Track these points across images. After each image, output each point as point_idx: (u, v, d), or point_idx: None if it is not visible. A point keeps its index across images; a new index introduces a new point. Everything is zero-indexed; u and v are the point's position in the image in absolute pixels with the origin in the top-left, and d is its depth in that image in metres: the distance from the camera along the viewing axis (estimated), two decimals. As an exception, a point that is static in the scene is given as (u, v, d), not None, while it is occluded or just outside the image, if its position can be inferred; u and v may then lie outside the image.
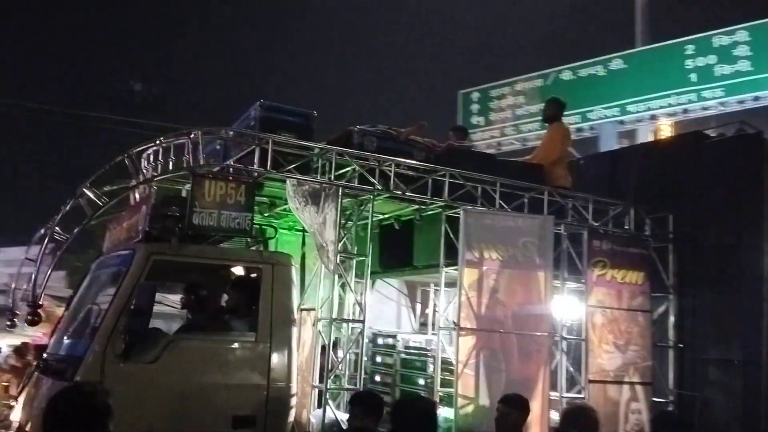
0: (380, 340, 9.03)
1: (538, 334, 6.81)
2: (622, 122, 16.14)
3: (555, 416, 7.16)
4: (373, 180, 6.51)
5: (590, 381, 7.32)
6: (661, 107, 15.31)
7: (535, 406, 6.63)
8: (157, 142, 5.92)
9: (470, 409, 6.54)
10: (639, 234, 8.00)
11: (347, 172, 6.63)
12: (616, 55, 16.32)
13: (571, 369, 7.38)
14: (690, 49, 15.05)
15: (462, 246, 6.75)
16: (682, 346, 7.92)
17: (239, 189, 5.99)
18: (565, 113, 16.90)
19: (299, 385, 6.19)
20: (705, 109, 14.97)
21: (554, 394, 7.27)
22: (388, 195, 6.66)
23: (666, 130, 16.42)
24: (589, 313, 7.45)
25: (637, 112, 15.69)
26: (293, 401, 5.92)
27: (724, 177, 7.85)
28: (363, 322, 6.40)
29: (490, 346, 6.71)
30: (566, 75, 17.01)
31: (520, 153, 15.03)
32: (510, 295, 6.85)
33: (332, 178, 6.39)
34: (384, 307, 10.09)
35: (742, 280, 7.58)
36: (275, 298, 5.92)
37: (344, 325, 6.63)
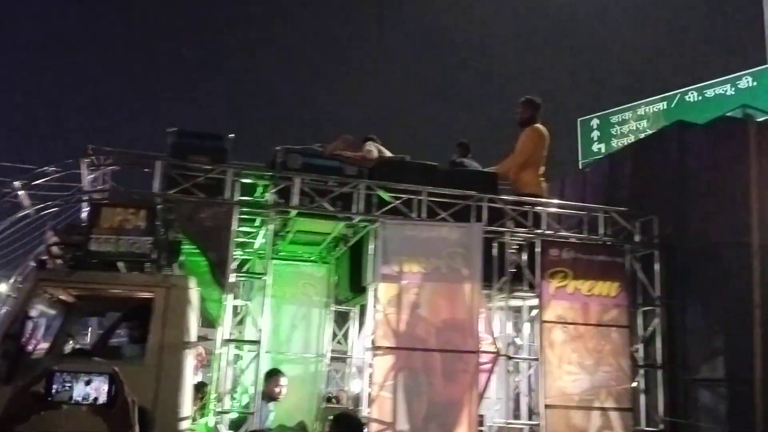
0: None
1: (464, 351, 6.19)
2: (756, 142, 15.05)
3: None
4: (273, 195, 6.39)
5: (547, 406, 6.50)
6: (798, 124, 14.11)
7: (461, 432, 6.01)
8: (50, 169, 6.19)
9: (386, 435, 6.04)
10: (611, 240, 7.11)
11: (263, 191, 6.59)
12: (745, 72, 15.40)
13: (525, 393, 6.62)
14: (825, 62, 13.86)
15: (378, 259, 6.38)
16: (668, 366, 6.83)
17: (138, 214, 6.10)
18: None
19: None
20: None
21: (500, 422, 6.56)
22: (299, 212, 6.49)
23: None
24: (545, 330, 6.68)
25: (771, 131, 14.57)
26: (182, 426, 5.78)
27: (706, 170, 6.82)
28: (259, 342, 6.16)
29: (411, 366, 6.20)
30: (691, 96, 16.18)
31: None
32: (433, 310, 6.33)
33: (234, 197, 6.34)
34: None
35: (728, 285, 6.46)
36: (168, 322, 5.87)
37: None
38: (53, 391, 2.13)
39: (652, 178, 7.49)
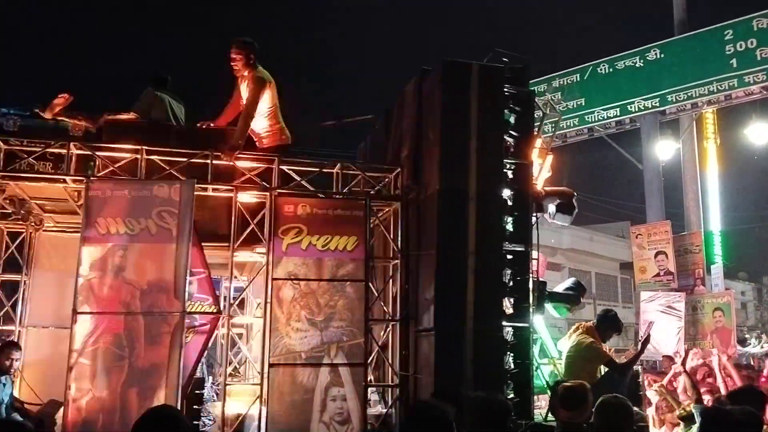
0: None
1: (169, 312, 6.02)
2: (663, 113, 15.49)
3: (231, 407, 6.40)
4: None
5: (271, 365, 6.37)
6: (702, 95, 14.65)
7: (161, 395, 5.86)
8: None
9: (84, 402, 5.87)
10: (352, 194, 6.97)
11: None
12: (653, 45, 15.62)
13: (247, 354, 6.50)
14: (729, 34, 14.27)
15: (83, 222, 6.15)
16: (403, 319, 6.75)
17: None
18: (605, 106, 16.20)
19: None
20: (748, 94, 14.30)
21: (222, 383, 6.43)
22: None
23: (709, 118, 15.87)
24: (274, 288, 6.53)
25: (678, 101, 15.07)
26: None
27: (435, 116, 6.66)
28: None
29: (113, 331, 6.01)
30: (603, 68, 16.41)
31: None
32: (139, 272, 6.13)
33: None
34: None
35: (446, 233, 6.34)
36: None
37: None
38: None
39: (404, 128, 7.35)
